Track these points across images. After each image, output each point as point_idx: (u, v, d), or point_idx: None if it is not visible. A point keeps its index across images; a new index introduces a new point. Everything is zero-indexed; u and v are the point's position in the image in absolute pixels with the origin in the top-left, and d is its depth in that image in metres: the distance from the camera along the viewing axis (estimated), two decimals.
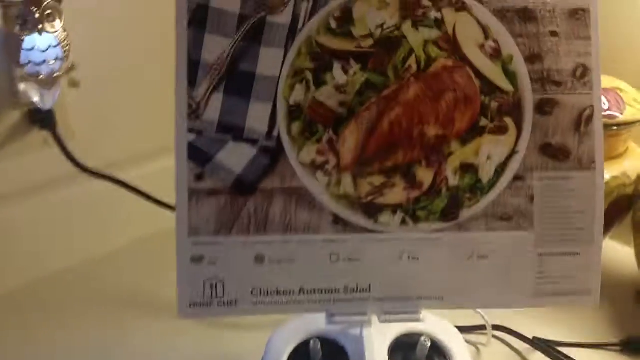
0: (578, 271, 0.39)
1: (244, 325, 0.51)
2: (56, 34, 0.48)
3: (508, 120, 0.38)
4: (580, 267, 0.39)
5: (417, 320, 0.38)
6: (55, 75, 0.49)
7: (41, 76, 0.48)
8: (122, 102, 0.60)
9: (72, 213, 0.60)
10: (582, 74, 0.38)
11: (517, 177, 0.38)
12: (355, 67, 0.37)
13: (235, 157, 0.36)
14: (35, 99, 0.51)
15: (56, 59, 0.49)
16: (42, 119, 0.53)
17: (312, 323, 0.41)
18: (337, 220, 0.37)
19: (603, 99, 0.53)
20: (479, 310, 0.49)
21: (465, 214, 0.38)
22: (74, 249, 0.60)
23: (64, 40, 0.49)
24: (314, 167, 0.37)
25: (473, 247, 0.38)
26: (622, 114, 0.53)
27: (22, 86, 0.50)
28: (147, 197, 0.56)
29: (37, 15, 0.46)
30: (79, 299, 0.55)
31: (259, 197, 0.37)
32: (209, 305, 0.37)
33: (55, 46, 0.48)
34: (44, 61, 0.48)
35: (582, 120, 0.38)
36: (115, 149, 0.62)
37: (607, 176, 0.54)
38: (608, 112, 0.53)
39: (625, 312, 0.55)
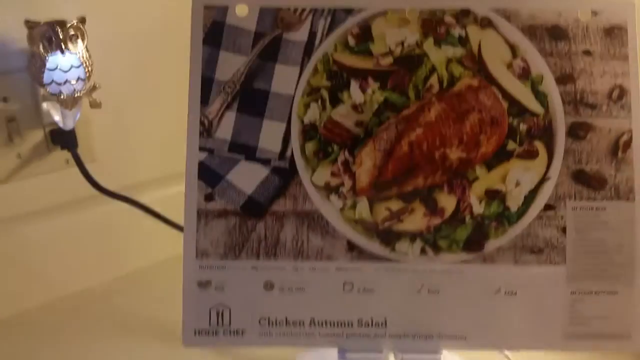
0: (615, 312, 0.35)
1: (254, 357, 0.48)
2: (79, 54, 0.49)
3: (538, 144, 0.36)
4: (617, 308, 0.35)
5: None
6: (76, 95, 0.50)
7: (63, 96, 0.49)
8: (143, 124, 0.60)
9: (91, 234, 0.59)
10: (619, 95, 0.36)
11: (548, 206, 0.36)
12: (373, 85, 0.35)
13: (246, 177, 0.35)
14: (57, 118, 0.51)
15: (78, 79, 0.49)
16: (63, 139, 0.53)
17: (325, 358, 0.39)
18: (352, 247, 0.35)
19: None
20: (506, 352, 0.45)
21: (491, 245, 0.35)
22: (91, 270, 0.59)
23: (87, 60, 0.50)
24: (328, 189, 0.35)
25: (500, 281, 0.35)
26: None
27: (44, 105, 0.51)
28: (166, 220, 0.55)
29: (60, 36, 0.46)
30: (94, 321, 0.54)
31: (269, 220, 0.35)
32: (215, 334, 0.35)
33: (77, 66, 0.49)
34: (66, 81, 0.48)
35: (620, 146, 0.36)
36: (135, 171, 0.61)
37: None
38: None
39: None
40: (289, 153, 0.35)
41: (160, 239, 0.57)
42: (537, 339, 0.36)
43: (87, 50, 0.50)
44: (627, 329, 0.35)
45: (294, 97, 0.35)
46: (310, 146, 0.35)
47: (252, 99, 0.35)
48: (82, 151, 0.55)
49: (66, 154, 0.55)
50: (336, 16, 0.35)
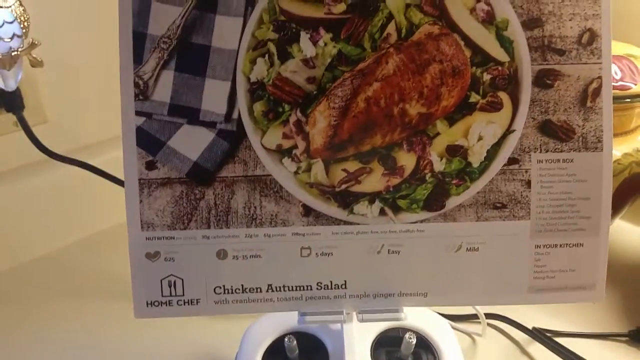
0: (581, 264, 0.35)
1: (221, 316, 0.48)
2: (11, 8, 0.44)
3: (502, 95, 0.34)
4: (583, 260, 0.35)
5: (399, 319, 0.35)
6: (14, 53, 0.46)
7: None
8: (93, 81, 0.56)
9: (43, 199, 0.57)
10: (589, 40, 0.33)
11: (512, 160, 0.34)
12: (325, 37, 0.32)
13: (191, 143, 0.32)
14: None
15: (13, 36, 0.45)
16: (7, 100, 0.50)
17: (289, 317, 0.38)
18: (308, 211, 0.34)
19: (614, 67, 0.48)
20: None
21: (452, 202, 0.34)
22: (45, 237, 0.58)
23: (21, 15, 0.45)
24: (280, 152, 0.33)
25: (461, 238, 0.34)
26: (636, 84, 0.48)
27: None
28: (119, 182, 0.53)
29: None
30: (52, 288, 0.53)
31: (218, 187, 0.33)
32: (169, 305, 0.34)
33: (10, 22, 0.44)
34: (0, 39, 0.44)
35: (589, 94, 0.34)
36: (90, 131, 0.58)
37: (618, 153, 0.49)
38: (620, 83, 0.48)
39: (634, 299, 0.51)
40: (235, 115, 0.32)
41: (120, 200, 0.55)
42: (500, 295, 0.35)
43: (21, 4, 0.45)
44: (592, 279, 0.35)
45: (238, 53, 0.32)
46: (258, 106, 0.32)
47: (191, 56, 0.32)
48: (31, 113, 0.52)
49: (14, 117, 0.51)
50: None
